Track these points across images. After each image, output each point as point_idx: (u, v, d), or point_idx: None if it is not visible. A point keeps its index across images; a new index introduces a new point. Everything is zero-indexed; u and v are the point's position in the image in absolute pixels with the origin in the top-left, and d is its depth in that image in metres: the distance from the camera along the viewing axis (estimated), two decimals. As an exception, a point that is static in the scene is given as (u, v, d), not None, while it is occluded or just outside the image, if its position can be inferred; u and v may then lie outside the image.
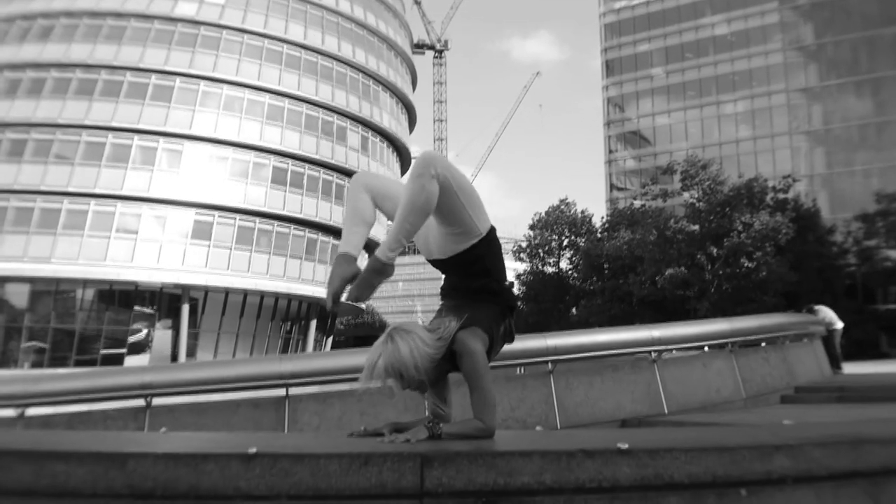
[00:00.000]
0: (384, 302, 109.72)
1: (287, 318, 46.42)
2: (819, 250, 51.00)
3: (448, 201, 3.52)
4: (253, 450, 2.72)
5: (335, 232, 45.12)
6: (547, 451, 2.81)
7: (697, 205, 50.79)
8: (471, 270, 3.74)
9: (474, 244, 3.66)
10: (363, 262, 3.57)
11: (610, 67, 78.59)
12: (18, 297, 39.01)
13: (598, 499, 2.76)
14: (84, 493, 2.69)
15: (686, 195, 52.09)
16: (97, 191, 38.56)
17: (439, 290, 3.99)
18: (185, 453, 2.76)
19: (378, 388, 3.65)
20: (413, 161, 3.16)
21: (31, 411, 9.00)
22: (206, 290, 41.31)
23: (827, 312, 17.40)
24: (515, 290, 63.76)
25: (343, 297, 3.54)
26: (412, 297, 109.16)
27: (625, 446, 2.80)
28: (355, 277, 3.68)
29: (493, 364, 3.74)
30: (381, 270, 3.58)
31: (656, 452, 2.83)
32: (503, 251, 3.89)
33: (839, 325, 17.38)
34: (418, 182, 3.41)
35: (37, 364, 37.16)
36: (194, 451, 2.79)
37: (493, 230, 3.73)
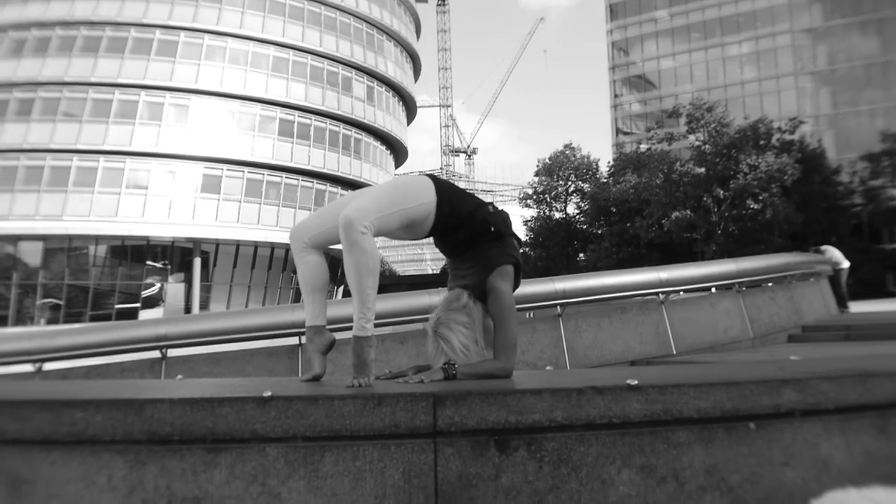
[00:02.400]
0: (393, 251, 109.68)
1: (297, 268, 46.31)
2: (825, 191, 50.72)
3: (394, 225, 3.56)
4: (268, 393, 2.76)
5: (343, 182, 45.07)
6: (557, 388, 2.85)
7: (703, 147, 50.53)
8: (450, 229, 3.76)
9: (436, 216, 3.66)
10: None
11: (614, 11, 77.69)
12: (32, 254, 39.18)
13: (608, 435, 2.80)
14: (102, 440, 2.74)
15: (692, 138, 51.75)
16: (106, 147, 38.50)
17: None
18: (201, 398, 2.80)
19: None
20: (341, 227, 3.03)
21: (49, 366, 9.11)
22: (217, 244, 41.45)
23: (833, 252, 17.38)
24: (523, 236, 63.81)
25: (347, 384, 3.38)
26: (421, 245, 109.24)
27: (634, 382, 2.84)
28: (332, 346, 3.73)
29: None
30: (366, 345, 3.52)
31: (665, 388, 2.87)
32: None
33: (845, 264, 17.36)
34: (356, 248, 3.39)
35: (52, 321, 37.41)
36: (210, 396, 2.83)
37: (436, 186, 3.69)
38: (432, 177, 3.78)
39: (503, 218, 3.83)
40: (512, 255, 3.77)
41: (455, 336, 3.54)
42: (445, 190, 3.71)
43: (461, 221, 3.70)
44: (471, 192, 4.07)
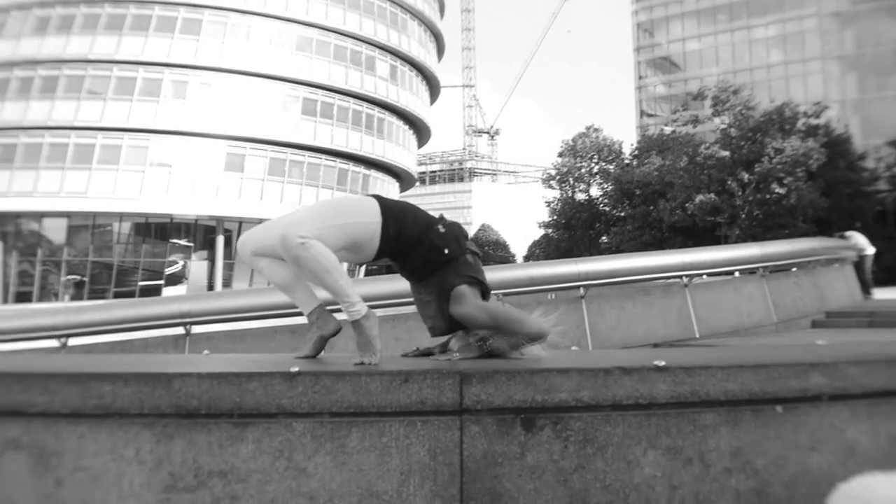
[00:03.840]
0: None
1: (320, 247, 46.39)
2: (850, 176, 50.20)
3: (335, 242, 3.47)
4: (295, 369, 2.78)
5: (366, 162, 45.11)
6: (584, 368, 2.85)
7: (728, 130, 50.16)
8: (401, 253, 3.66)
9: (381, 237, 3.56)
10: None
11: (639, -9, 77.22)
12: (56, 231, 39.45)
13: (634, 415, 2.80)
14: (130, 413, 2.76)
15: (717, 121, 51.37)
16: (130, 125, 38.58)
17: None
18: (229, 373, 2.82)
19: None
20: (280, 247, 2.94)
21: (73, 341, 9.18)
22: (240, 222, 41.53)
23: (858, 238, 17.25)
24: (546, 217, 63.69)
25: (355, 362, 3.32)
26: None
27: (661, 363, 2.83)
28: (336, 333, 3.64)
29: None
30: (365, 325, 3.48)
31: (692, 370, 2.86)
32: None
33: (870, 250, 17.23)
34: (302, 259, 3.38)
35: (76, 297, 37.58)
36: (238, 371, 2.84)
37: (381, 207, 3.58)
38: (377, 197, 3.66)
39: (454, 235, 3.69)
40: (464, 274, 3.60)
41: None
42: (392, 211, 3.59)
43: (411, 245, 3.60)
44: (422, 209, 3.90)
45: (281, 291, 3.74)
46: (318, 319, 3.67)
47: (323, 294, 3.59)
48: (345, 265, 3.60)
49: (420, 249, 3.59)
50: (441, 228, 3.65)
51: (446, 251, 3.59)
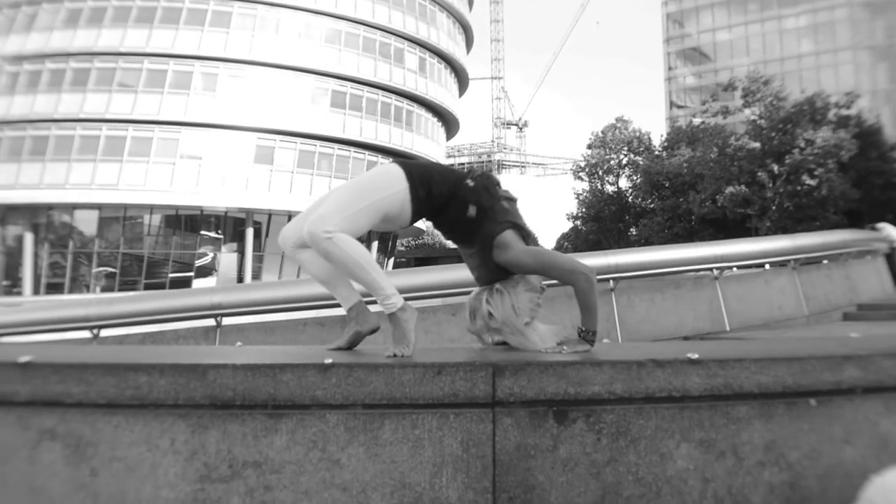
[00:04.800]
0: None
1: (349, 240, 46.52)
2: (882, 167, 49.64)
3: (366, 222, 3.51)
4: (329, 360, 2.80)
5: (394, 154, 45.06)
6: (617, 361, 2.85)
7: (759, 121, 49.77)
8: (436, 212, 3.65)
9: (412, 202, 3.54)
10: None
11: (669, -18, 76.84)
12: (87, 223, 39.73)
13: (667, 408, 2.80)
14: (166, 404, 2.79)
15: (747, 112, 50.94)
16: (161, 118, 38.76)
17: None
18: (263, 364, 2.84)
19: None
20: (309, 243, 2.93)
21: (105, 332, 9.25)
22: (270, 214, 41.71)
23: (890, 230, 17.04)
24: (575, 209, 63.55)
25: (387, 354, 3.29)
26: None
27: (695, 356, 2.83)
28: (374, 331, 3.68)
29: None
30: (401, 318, 3.48)
31: (726, 362, 2.86)
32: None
33: (902, 242, 17.04)
34: (331, 254, 3.40)
35: (107, 288, 37.96)
36: (272, 362, 2.86)
37: (405, 172, 3.56)
38: (401, 162, 3.64)
39: (485, 186, 3.67)
40: (503, 221, 3.60)
41: (521, 341, 3.55)
42: (417, 173, 3.57)
43: (443, 202, 3.59)
44: (450, 166, 3.87)
45: (322, 285, 3.75)
46: (357, 315, 3.69)
47: (360, 287, 3.61)
48: (374, 252, 3.60)
49: (453, 207, 3.59)
50: (470, 183, 3.63)
51: (478, 206, 3.58)
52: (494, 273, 3.61)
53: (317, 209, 3.54)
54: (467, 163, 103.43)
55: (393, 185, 3.51)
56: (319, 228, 3.35)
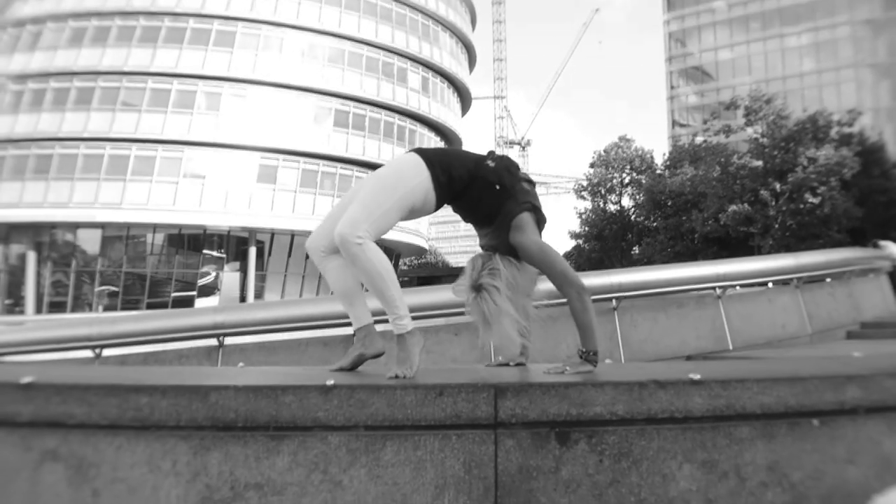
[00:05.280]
0: (446, 242, 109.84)
1: (351, 259, 46.54)
2: (885, 185, 49.48)
3: (394, 219, 3.53)
4: (331, 382, 2.80)
5: (397, 173, 45.11)
6: (619, 382, 2.85)
7: (761, 140, 49.75)
8: (457, 195, 3.67)
9: (435, 188, 3.57)
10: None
11: (671, 1, 76.97)
12: (90, 242, 39.74)
13: (669, 429, 2.80)
14: (167, 425, 2.79)
15: (749, 130, 50.88)
16: (164, 137, 38.84)
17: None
18: (265, 385, 2.84)
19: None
20: (339, 245, 2.97)
21: (107, 352, 9.23)
22: (273, 233, 41.77)
23: (893, 248, 17.04)
24: (577, 228, 63.54)
25: (389, 375, 3.31)
26: (474, 236, 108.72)
27: (697, 377, 2.83)
28: (378, 356, 3.69)
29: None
30: (410, 340, 3.50)
31: (728, 383, 2.86)
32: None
33: (905, 260, 17.03)
34: (359, 260, 3.40)
35: (110, 308, 37.90)
36: (274, 384, 2.86)
37: (425, 160, 3.59)
38: (418, 150, 3.68)
39: (505, 166, 3.72)
40: (523, 201, 3.67)
41: (500, 306, 3.51)
42: (436, 160, 3.61)
43: (464, 185, 3.61)
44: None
45: (340, 299, 3.75)
46: (364, 337, 3.71)
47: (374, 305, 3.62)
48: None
49: (474, 188, 3.62)
50: (491, 163, 3.67)
51: (499, 186, 3.62)
52: (508, 252, 3.65)
53: (344, 211, 3.54)
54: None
55: (415, 175, 3.55)
56: (351, 233, 3.37)
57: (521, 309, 3.63)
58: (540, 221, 3.73)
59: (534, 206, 3.70)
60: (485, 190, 3.61)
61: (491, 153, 3.81)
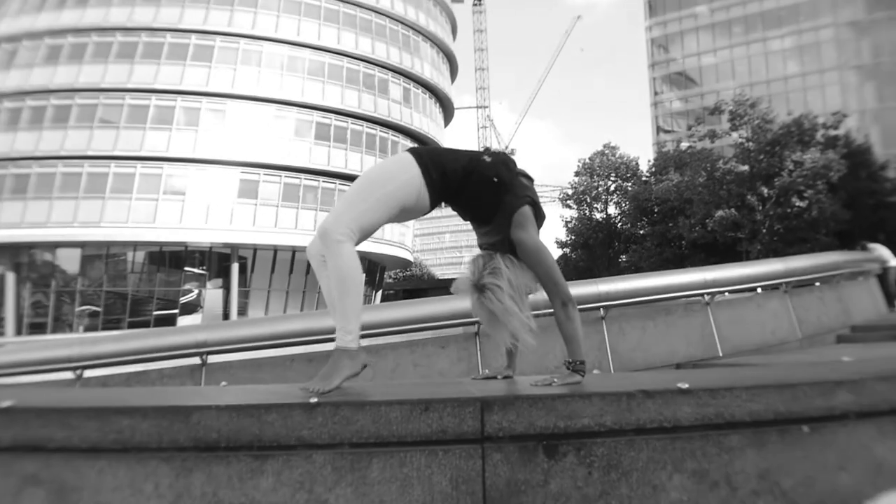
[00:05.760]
0: (432, 255, 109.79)
1: (336, 273, 46.45)
2: (872, 187, 49.86)
3: (382, 216, 3.46)
4: (314, 399, 2.77)
5: (380, 186, 45.10)
6: (606, 392, 2.83)
7: (746, 144, 50.02)
8: (452, 193, 3.63)
9: (428, 186, 3.51)
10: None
11: (653, 7, 77.60)
12: (70, 261, 39.54)
13: (658, 439, 2.78)
14: (149, 447, 2.74)
15: (735, 135, 51.18)
16: (143, 153, 38.75)
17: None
18: (247, 404, 2.80)
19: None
20: (319, 238, 2.93)
21: (89, 373, 9.15)
22: (255, 249, 41.67)
23: (881, 250, 17.13)
24: (563, 236, 63.72)
25: (301, 387, 3.25)
26: (459, 248, 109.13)
27: (685, 386, 2.82)
28: (359, 372, 3.51)
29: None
30: (345, 358, 3.39)
31: (716, 391, 2.84)
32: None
33: (894, 262, 17.09)
34: (332, 257, 3.34)
35: (91, 328, 37.77)
36: (257, 403, 2.82)
37: (416, 158, 3.54)
38: (411, 149, 3.63)
39: (503, 161, 3.69)
40: (523, 195, 3.63)
41: (507, 305, 3.47)
42: (427, 156, 3.56)
43: (459, 181, 3.56)
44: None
45: (330, 309, 3.66)
46: (346, 357, 3.64)
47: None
48: (362, 283, 3.54)
49: (471, 184, 3.57)
50: (487, 158, 3.63)
51: (497, 179, 3.58)
52: (508, 249, 3.60)
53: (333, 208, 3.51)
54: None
55: (404, 172, 3.49)
56: (334, 228, 3.33)
57: (527, 308, 3.58)
58: (539, 216, 3.70)
59: (533, 200, 3.67)
60: (482, 185, 3.57)
61: (487, 149, 3.78)
